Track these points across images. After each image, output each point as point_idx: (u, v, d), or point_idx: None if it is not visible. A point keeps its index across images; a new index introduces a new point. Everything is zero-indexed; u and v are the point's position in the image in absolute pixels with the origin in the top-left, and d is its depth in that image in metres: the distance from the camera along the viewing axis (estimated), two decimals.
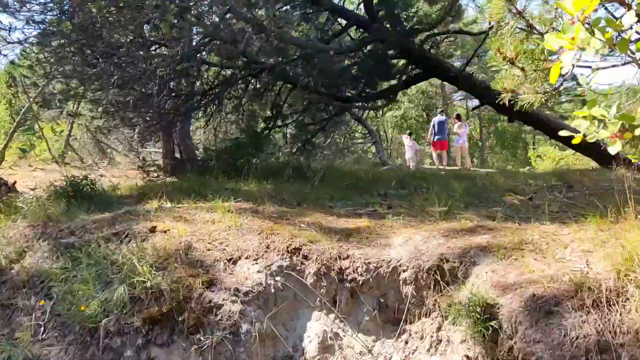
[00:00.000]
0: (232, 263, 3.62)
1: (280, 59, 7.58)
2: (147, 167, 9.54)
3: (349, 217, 4.55)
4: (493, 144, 38.62)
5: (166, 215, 4.25)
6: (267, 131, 9.09)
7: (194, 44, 7.19)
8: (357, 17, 8.48)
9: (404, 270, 3.42)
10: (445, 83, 26.10)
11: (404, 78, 8.55)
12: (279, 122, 9.38)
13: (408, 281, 3.39)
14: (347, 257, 3.59)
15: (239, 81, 8.72)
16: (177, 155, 12.64)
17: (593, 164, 18.24)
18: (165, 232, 3.91)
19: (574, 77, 10.81)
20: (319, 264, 3.54)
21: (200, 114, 9.26)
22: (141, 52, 6.46)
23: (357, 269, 3.52)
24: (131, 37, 6.67)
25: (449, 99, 37.50)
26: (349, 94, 9.35)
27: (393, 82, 8.73)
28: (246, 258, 3.64)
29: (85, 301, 3.26)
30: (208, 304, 3.26)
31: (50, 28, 6.39)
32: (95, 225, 4.21)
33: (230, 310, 3.23)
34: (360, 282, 3.49)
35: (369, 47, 8.42)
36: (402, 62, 8.70)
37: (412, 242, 3.63)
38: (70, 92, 7.49)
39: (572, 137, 1.90)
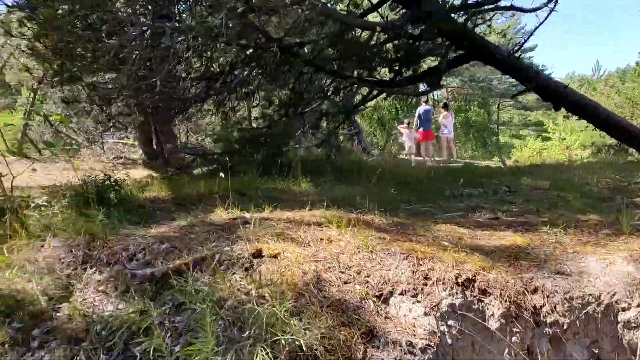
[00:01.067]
0: (383, 302, 2.65)
1: (321, 37, 6.53)
2: (148, 160, 8.31)
3: (482, 229, 3.63)
4: (460, 133, 38.71)
5: (263, 233, 3.20)
6: (290, 120, 8.03)
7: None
8: None
9: (623, 309, 2.56)
10: None
11: (446, 60, 7.66)
12: (302, 110, 8.31)
13: (633, 324, 2.53)
14: (536, 290, 2.69)
15: (254, 62, 7.61)
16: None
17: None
18: (275, 256, 2.88)
19: None
20: (505, 301, 2.62)
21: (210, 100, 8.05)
22: (167, 24, 5.26)
23: (555, 307, 2.63)
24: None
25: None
26: (378, 78, 8.42)
27: (433, 64, 7.87)
28: (401, 294, 2.67)
29: None
30: None
31: None
32: (166, 247, 3.12)
33: None
34: (564, 326, 2.60)
35: (408, 25, 7.49)
36: (444, 42, 7.80)
37: (618, 267, 2.76)
38: (65, 74, 6.12)
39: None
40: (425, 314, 2.57)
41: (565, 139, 24.03)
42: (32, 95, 14.92)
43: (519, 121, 45.51)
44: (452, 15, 7.43)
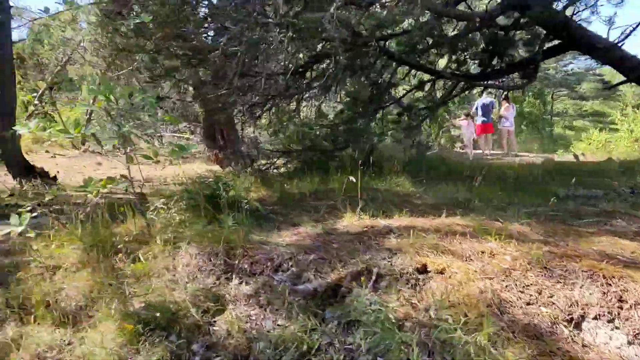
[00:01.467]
0: (575, 327, 2.38)
1: (416, 29, 6.24)
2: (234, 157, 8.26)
3: None
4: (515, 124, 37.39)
5: (419, 244, 2.98)
6: (371, 116, 7.78)
7: None
8: None
9: None
10: None
11: (541, 51, 7.21)
12: (384, 104, 8.04)
13: None
14: None
15: (339, 56, 7.38)
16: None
17: None
18: (441, 272, 2.66)
19: None
20: None
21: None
22: (270, 20, 5.09)
23: None
24: None
25: None
26: (465, 71, 8.04)
27: (526, 55, 7.44)
28: (594, 318, 2.40)
29: None
30: None
31: None
32: (314, 258, 2.95)
33: None
34: None
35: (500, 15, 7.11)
36: (540, 32, 7.35)
37: None
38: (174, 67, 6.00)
39: None
40: (629, 343, 2.29)
41: (633, 130, 22.71)
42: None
43: (574, 111, 43.54)
44: (552, 3, 6.99)
